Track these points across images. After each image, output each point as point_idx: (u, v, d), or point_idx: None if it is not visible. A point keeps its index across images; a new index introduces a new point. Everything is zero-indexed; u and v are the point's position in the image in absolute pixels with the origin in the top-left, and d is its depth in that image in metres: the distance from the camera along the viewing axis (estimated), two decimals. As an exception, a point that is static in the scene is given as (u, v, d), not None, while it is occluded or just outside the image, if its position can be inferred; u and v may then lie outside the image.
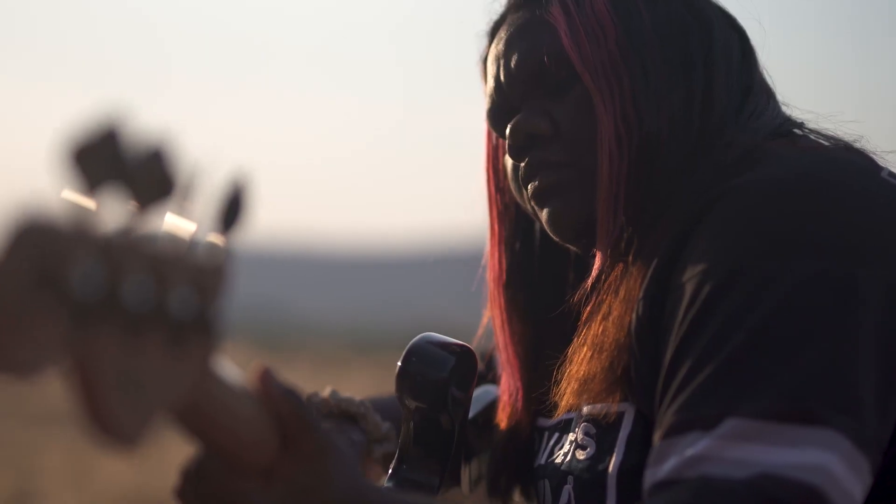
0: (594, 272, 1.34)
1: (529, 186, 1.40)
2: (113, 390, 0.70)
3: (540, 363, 1.42)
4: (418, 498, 1.27)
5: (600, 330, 1.27)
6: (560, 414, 1.35)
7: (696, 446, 1.07)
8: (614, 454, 1.25)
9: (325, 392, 1.36)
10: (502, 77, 1.42)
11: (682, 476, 1.07)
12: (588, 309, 1.32)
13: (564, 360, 1.33)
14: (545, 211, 1.39)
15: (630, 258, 1.29)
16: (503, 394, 1.53)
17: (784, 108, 1.41)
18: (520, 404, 1.49)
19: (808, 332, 1.10)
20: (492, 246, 1.54)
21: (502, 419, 1.52)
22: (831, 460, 1.05)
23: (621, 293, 1.27)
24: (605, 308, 1.29)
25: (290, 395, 0.96)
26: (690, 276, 1.17)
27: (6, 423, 10.21)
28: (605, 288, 1.31)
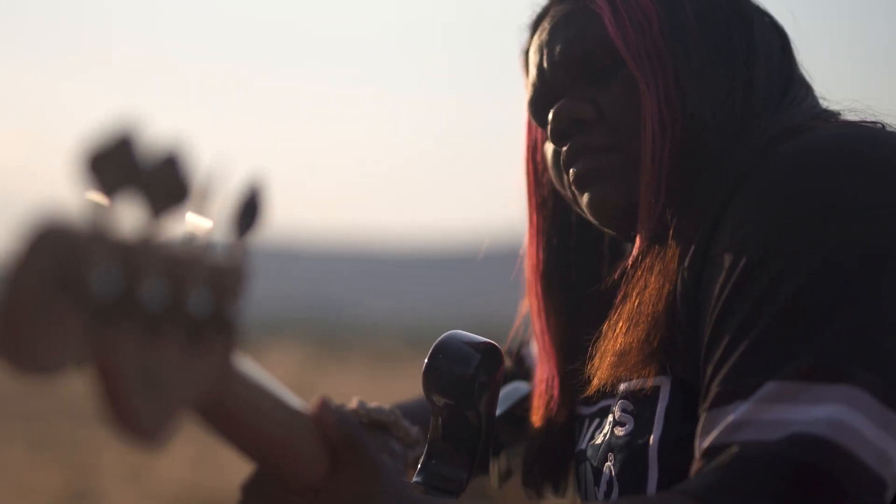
0: (633, 254, 1.36)
1: (571, 171, 1.42)
2: (134, 388, 0.72)
3: (577, 351, 1.44)
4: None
5: (637, 303, 1.30)
6: (594, 389, 1.36)
7: (736, 412, 1.13)
8: (654, 428, 1.28)
9: (353, 403, 1.38)
10: (545, 65, 1.45)
11: (724, 442, 1.13)
12: (624, 288, 1.35)
13: (600, 337, 1.35)
14: (586, 195, 1.41)
15: (668, 238, 1.31)
16: (539, 383, 1.55)
17: (822, 101, 1.42)
18: (555, 392, 1.52)
19: (838, 299, 1.13)
20: (530, 237, 1.57)
21: (539, 408, 1.54)
22: (855, 417, 1.09)
23: (657, 268, 1.30)
24: (640, 283, 1.31)
25: (344, 419, 0.99)
26: (727, 248, 1.20)
27: (63, 422, 10.32)
28: (642, 267, 1.33)
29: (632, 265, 1.35)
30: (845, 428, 1.08)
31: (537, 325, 1.55)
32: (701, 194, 1.29)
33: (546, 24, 1.47)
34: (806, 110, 1.37)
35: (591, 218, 1.43)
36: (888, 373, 1.11)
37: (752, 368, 1.14)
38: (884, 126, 1.32)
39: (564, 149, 1.42)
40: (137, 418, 0.73)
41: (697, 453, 1.16)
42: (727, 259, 1.20)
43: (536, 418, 1.54)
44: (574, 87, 1.42)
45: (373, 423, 1.44)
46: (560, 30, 1.44)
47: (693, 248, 1.25)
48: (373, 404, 1.46)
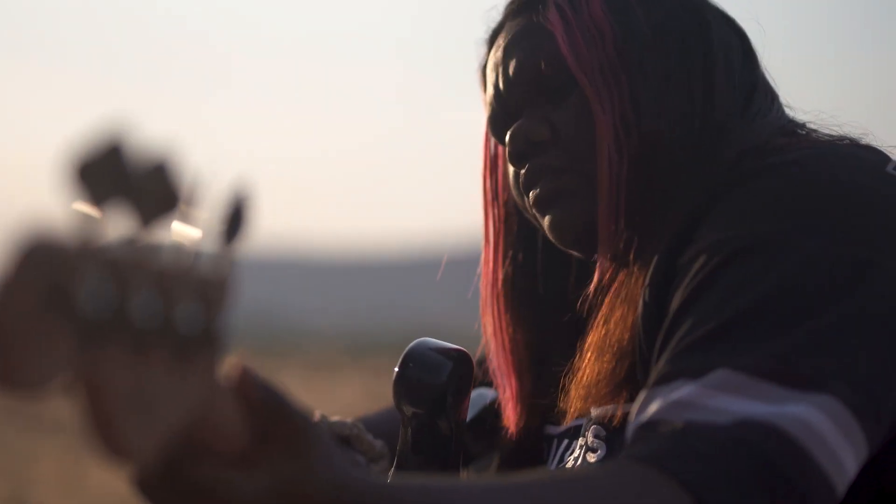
0: (596, 278, 1.34)
1: (531, 193, 1.39)
2: (120, 407, 0.70)
3: (544, 370, 1.42)
4: (405, 482, 1.25)
5: (602, 333, 1.28)
6: (569, 421, 1.34)
7: (681, 391, 1.08)
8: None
9: (315, 416, 1.35)
10: (501, 84, 1.42)
11: (666, 418, 1.07)
12: (591, 315, 1.33)
13: (569, 369, 1.33)
14: (547, 218, 1.39)
15: (632, 260, 1.30)
16: (503, 403, 1.53)
17: (787, 111, 1.41)
18: (514, 413, 1.49)
19: (811, 307, 1.11)
20: (486, 253, 1.53)
21: (506, 426, 1.52)
22: (818, 418, 1.05)
23: (622, 293, 1.28)
24: (605, 311, 1.29)
25: (266, 384, 0.93)
26: (699, 252, 1.18)
27: (0, 431, 10.19)
28: (607, 293, 1.31)
29: (596, 290, 1.33)
30: (807, 426, 1.05)
31: (493, 344, 1.51)
32: (664, 214, 1.28)
33: (501, 41, 1.44)
34: (773, 121, 1.35)
35: (552, 240, 1.40)
36: (856, 385, 1.09)
37: (703, 353, 1.10)
38: (852, 141, 1.32)
39: (523, 171, 1.40)
40: (124, 439, 0.70)
41: (632, 427, 1.10)
42: (698, 262, 1.17)
43: (504, 437, 1.51)
44: (530, 107, 1.40)
45: (335, 437, 1.41)
46: (514, 47, 1.41)
47: (660, 265, 1.23)
48: (335, 418, 1.43)
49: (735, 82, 1.36)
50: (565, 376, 1.34)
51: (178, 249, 0.74)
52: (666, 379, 1.10)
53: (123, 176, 0.67)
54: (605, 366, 1.26)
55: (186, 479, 0.87)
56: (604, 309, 1.30)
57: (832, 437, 1.06)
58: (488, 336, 1.52)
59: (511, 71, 1.41)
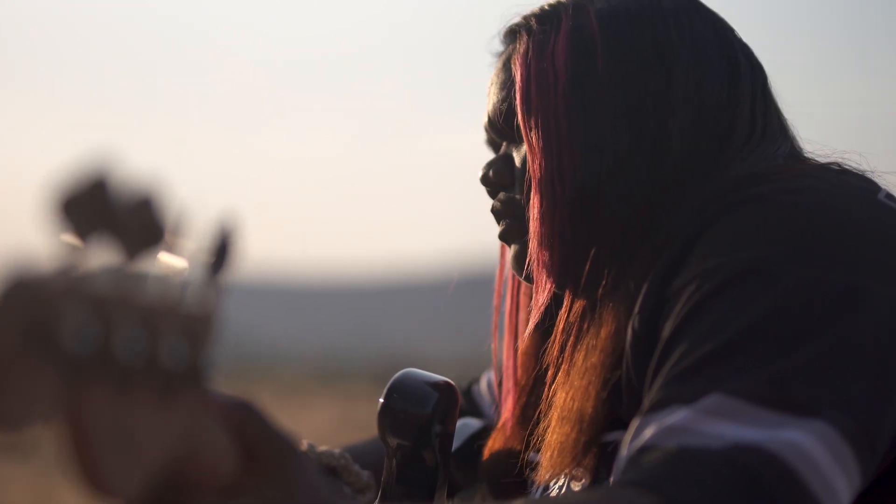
0: (560, 318, 1.37)
1: (499, 227, 1.45)
2: (105, 445, 0.69)
3: (535, 398, 1.42)
4: None
5: (565, 399, 1.29)
6: (541, 480, 1.34)
7: (675, 416, 1.08)
8: (611, 481, 1.24)
9: (303, 445, 1.34)
10: (486, 116, 1.49)
11: (660, 444, 1.07)
12: (554, 366, 1.35)
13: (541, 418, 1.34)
14: (509, 251, 1.44)
15: (602, 297, 1.30)
16: (500, 424, 1.53)
17: (796, 139, 1.42)
18: (503, 434, 1.50)
19: (805, 332, 1.11)
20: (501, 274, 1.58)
21: (493, 447, 1.51)
22: (812, 444, 1.05)
23: (588, 339, 1.30)
24: (562, 376, 1.31)
25: (245, 404, 0.92)
26: (690, 279, 1.18)
27: (-32, 457, 10.11)
28: (571, 339, 1.34)
29: (564, 328, 1.36)
30: (801, 453, 1.04)
31: (504, 364, 1.54)
32: (631, 249, 1.29)
33: (493, 70, 1.49)
34: (763, 152, 1.35)
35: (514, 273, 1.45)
36: (850, 412, 1.08)
37: (698, 376, 1.10)
38: (841, 168, 1.32)
39: (495, 204, 1.46)
40: (107, 477, 0.69)
41: (627, 453, 1.10)
42: (690, 287, 1.17)
43: (489, 459, 1.51)
44: (507, 142, 1.46)
45: (322, 467, 1.40)
46: (494, 84, 1.47)
47: (647, 296, 1.22)
48: (322, 448, 1.42)
49: (706, 122, 1.34)
50: (538, 425, 1.35)
51: (164, 283, 0.72)
52: (659, 405, 1.10)
53: (108, 210, 0.66)
54: (567, 434, 1.27)
55: None
56: (563, 375, 1.32)
57: (826, 463, 1.05)
58: (505, 357, 1.55)
59: (489, 107, 1.47)
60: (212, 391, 0.84)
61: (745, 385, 1.07)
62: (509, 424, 1.49)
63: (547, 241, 1.34)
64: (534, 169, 1.35)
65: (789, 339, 1.10)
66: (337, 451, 1.42)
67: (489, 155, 1.51)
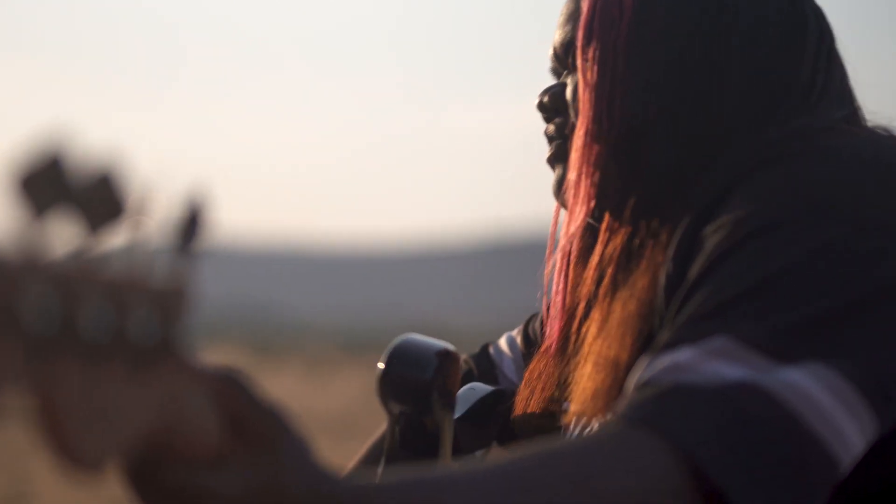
0: (595, 253, 1.38)
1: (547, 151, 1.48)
2: (75, 419, 0.68)
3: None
4: (381, 484, 1.25)
5: (604, 346, 1.29)
6: (570, 419, 1.34)
7: (679, 355, 1.09)
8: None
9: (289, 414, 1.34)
10: (550, 47, 1.50)
11: (657, 379, 1.09)
12: (585, 301, 1.35)
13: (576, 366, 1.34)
14: (553, 177, 1.46)
15: (643, 233, 1.32)
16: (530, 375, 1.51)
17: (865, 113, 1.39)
18: (542, 386, 1.47)
19: (822, 287, 1.11)
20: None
21: (522, 402, 1.50)
22: (809, 384, 1.06)
23: (626, 278, 1.30)
24: (603, 317, 1.31)
25: (232, 377, 0.92)
26: (719, 227, 1.19)
27: (-2, 426, 10.18)
28: (606, 282, 1.34)
29: (600, 263, 1.36)
30: (800, 392, 1.05)
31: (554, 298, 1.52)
32: (675, 190, 1.30)
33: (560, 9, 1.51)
34: (813, 121, 1.32)
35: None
36: (859, 359, 1.09)
37: (709, 321, 1.11)
38: (886, 131, 1.32)
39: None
40: (77, 449, 0.69)
41: (631, 387, 1.12)
42: (716, 236, 1.18)
43: (518, 413, 1.49)
44: (566, 71, 1.47)
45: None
46: (563, 13, 1.48)
47: (682, 241, 1.23)
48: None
49: (755, 82, 1.33)
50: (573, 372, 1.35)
51: (130, 257, 0.72)
52: (669, 346, 1.12)
53: (67, 186, 0.65)
54: (604, 383, 1.26)
55: (159, 483, 0.86)
56: (605, 310, 1.31)
57: (829, 405, 1.06)
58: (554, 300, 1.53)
59: (555, 36, 1.48)
60: (196, 363, 0.84)
61: (753, 331, 1.09)
62: (553, 348, 1.48)
63: (584, 172, 1.36)
64: (584, 100, 1.36)
65: (807, 292, 1.11)
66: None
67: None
